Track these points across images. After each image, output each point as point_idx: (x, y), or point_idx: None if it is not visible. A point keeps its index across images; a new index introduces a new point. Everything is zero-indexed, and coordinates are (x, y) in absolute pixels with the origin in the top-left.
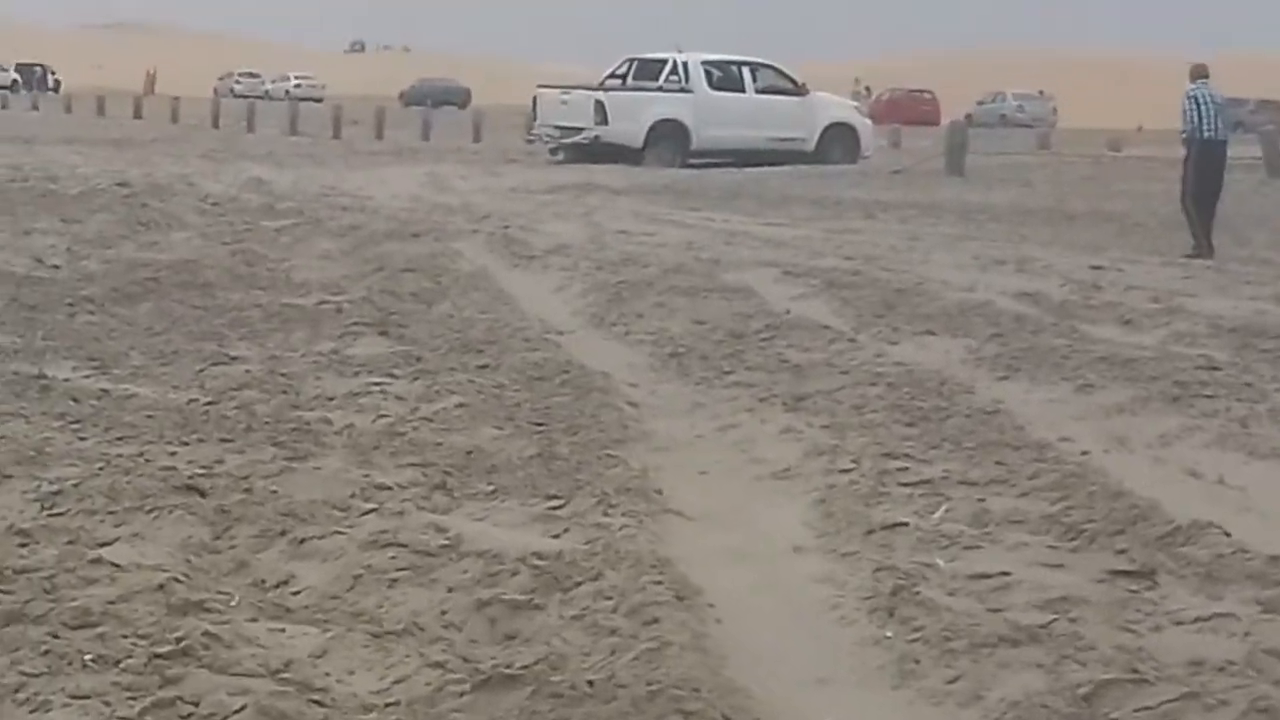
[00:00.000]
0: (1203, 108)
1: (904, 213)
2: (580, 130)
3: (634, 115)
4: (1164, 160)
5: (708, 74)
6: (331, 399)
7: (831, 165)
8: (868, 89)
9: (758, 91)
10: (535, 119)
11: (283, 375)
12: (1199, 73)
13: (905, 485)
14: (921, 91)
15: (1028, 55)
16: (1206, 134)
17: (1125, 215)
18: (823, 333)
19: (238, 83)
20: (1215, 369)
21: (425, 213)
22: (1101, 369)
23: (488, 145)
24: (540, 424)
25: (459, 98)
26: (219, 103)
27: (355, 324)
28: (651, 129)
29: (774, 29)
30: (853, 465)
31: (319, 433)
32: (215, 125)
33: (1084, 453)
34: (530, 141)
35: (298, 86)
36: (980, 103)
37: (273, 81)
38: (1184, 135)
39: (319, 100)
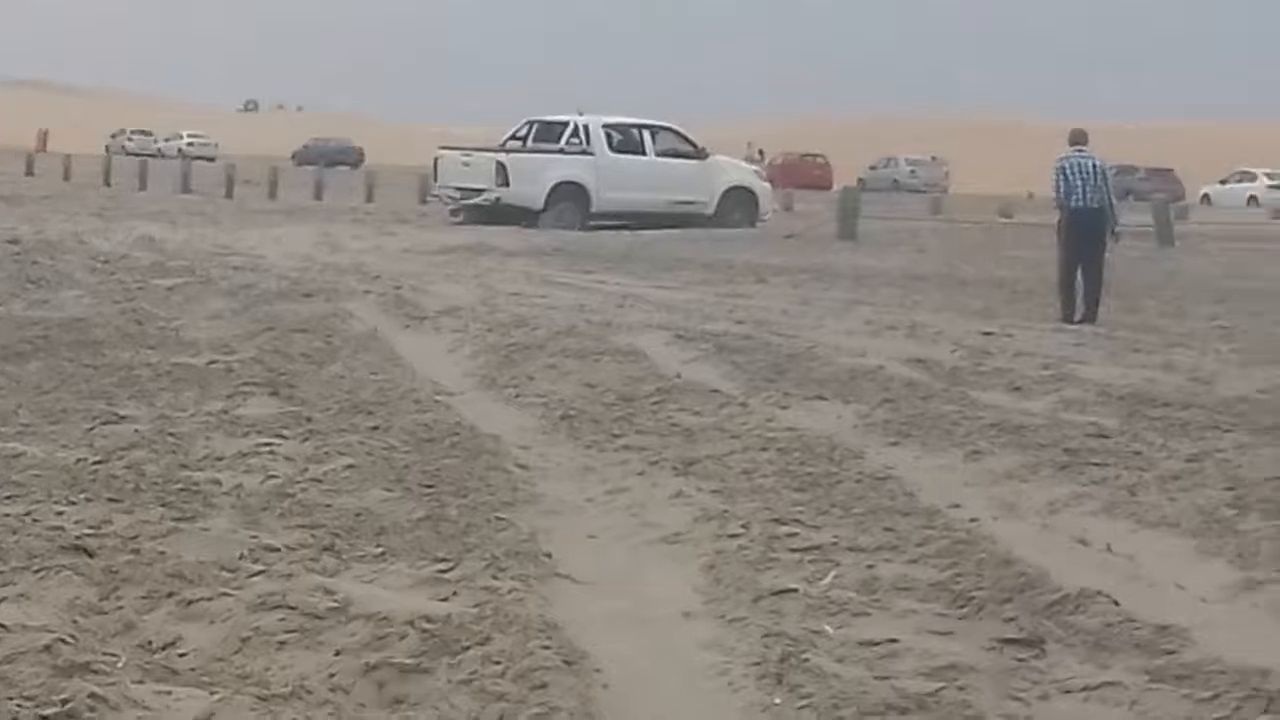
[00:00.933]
0: (1070, 178)
1: (796, 277)
2: (481, 192)
3: (534, 177)
4: (1054, 227)
5: (608, 137)
6: (221, 459)
7: (731, 229)
8: (761, 152)
9: (658, 154)
10: (436, 180)
11: (172, 435)
12: (1076, 139)
13: (795, 551)
14: (814, 155)
15: (920, 120)
16: (1075, 203)
17: (1016, 281)
18: (713, 397)
19: (130, 140)
20: (1104, 436)
21: (317, 273)
22: (991, 435)
23: (381, 205)
24: (430, 486)
25: (352, 158)
26: (111, 160)
27: (245, 384)
28: (552, 191)
29: (663, 91)
30: (742, 530)
31: (208, 493)
32: (107, 183)
33: (973, 520)
34: (425, 202)
35: (190, 145)
36: (872, 167)
37: (165, 140)
38: (1055, 204)
39: (212, 159)
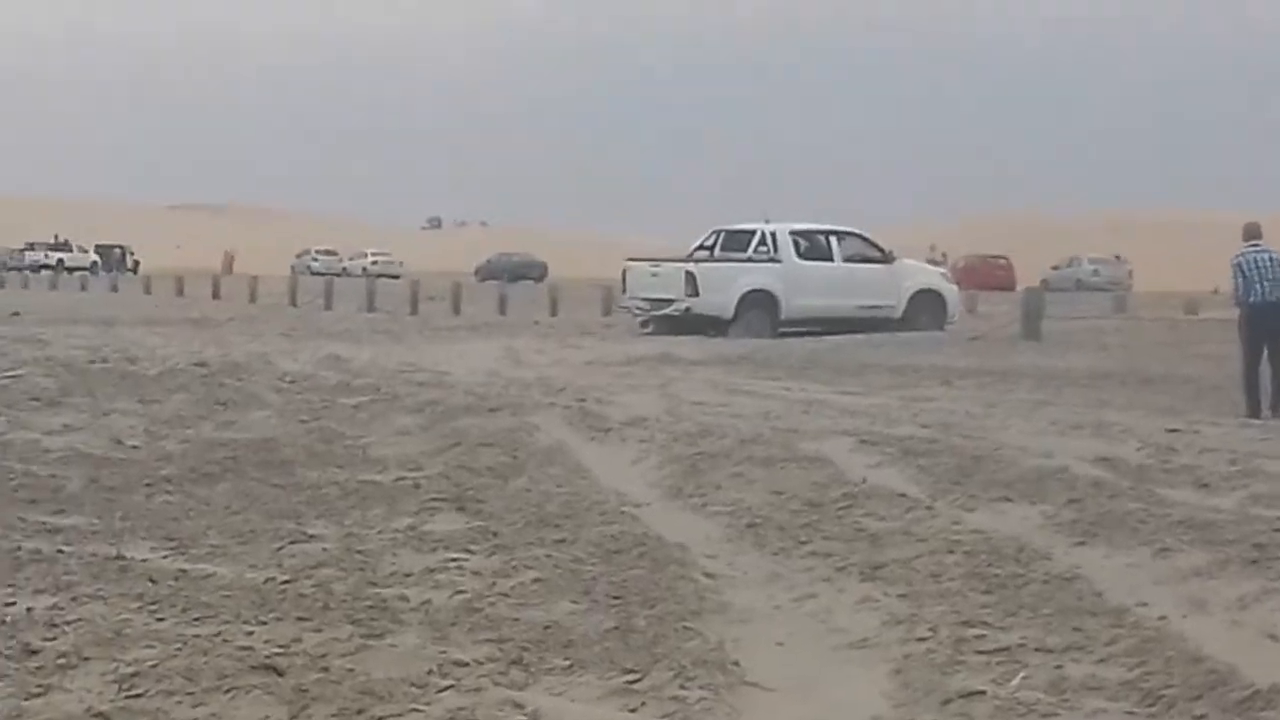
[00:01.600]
0: (1248, 273)
1: (980, 379)
2: (671, 302)
3: (724, 286)
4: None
5: (795, 243)
6: (409, 575)
7: (919, 331)
8: (944, 255)
9: (844, 259)
10: (624, 291)
11: (360, 552)
12: (1250, 233)
13: (982, 653)
14: (997, 257)
15: (1102, 218)
16: (1254, 299)
17: (1202, 378)
18: (899, 501)
19: (315, 260)
20: None
21: (502, 387)
22: (1179, 532)
23: (565, 319)
24: (617, 597)
25: (536, 272)
26: (296, 281)
27: (432, 500)
28: (742, 300)
29: (844, 196)
30: (930, 634)
31: (396, 610)
32: (293, 303)
33: (1161, 617)
34: (608, 314)
35: (374, 263)
36: (1055, 267)
37: (350, 259)
38: (1235, 301)
39: (396, 276)
